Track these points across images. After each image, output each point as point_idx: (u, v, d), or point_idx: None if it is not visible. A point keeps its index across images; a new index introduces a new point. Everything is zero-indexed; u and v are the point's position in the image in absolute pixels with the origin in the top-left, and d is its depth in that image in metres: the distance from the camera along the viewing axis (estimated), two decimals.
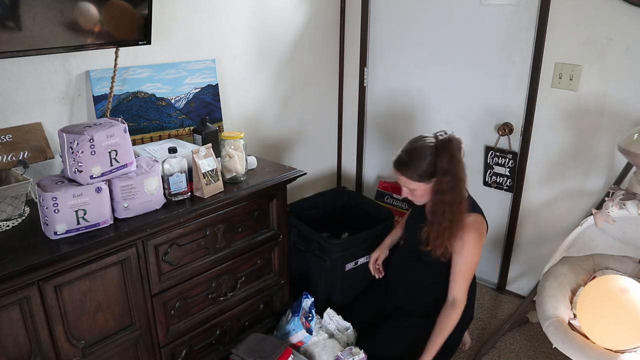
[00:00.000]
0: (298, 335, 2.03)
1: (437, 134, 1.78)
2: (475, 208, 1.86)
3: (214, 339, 1.95)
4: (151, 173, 1.61)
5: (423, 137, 1.79)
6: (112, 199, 1.55)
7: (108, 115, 1.89)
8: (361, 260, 2.26)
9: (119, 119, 1.58)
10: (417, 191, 1.80)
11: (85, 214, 1.47)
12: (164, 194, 1.68)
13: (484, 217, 1.87)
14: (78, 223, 1.47)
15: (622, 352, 1.59)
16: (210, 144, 1.80)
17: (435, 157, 1.73)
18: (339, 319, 2.13)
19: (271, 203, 1.99)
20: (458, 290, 1.84)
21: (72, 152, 1.45)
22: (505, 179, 2.49)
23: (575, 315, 1.76)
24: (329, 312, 2.14)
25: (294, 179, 2.00)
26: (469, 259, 1.81)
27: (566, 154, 2.30)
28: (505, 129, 2.39)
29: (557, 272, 1.94)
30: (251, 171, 1.99)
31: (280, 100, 2.63)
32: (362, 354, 1.92)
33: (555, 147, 2.32)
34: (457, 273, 1.83)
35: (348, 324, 2.12)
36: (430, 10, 2.53)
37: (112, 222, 1.55)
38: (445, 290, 1.87)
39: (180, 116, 2.13)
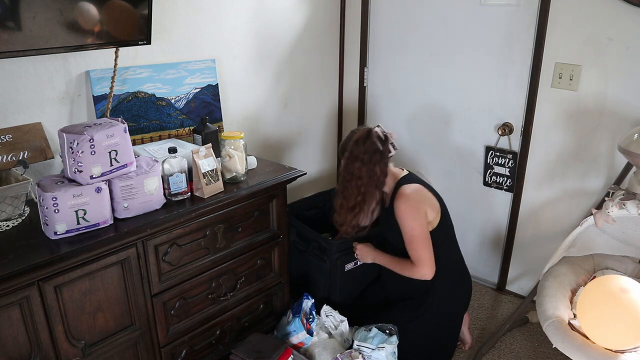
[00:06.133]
0: (299, 336, 2.03)
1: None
2: (411, 181, 1.96)
3: (214, 339, 1.95)
4: (151, 173, 1.61)
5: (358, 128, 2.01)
6: (112, 199, 1.55)
7: (108, 115, 1.89)
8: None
9: (119, 119, 1.58)
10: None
11: (85, 214, 1.47)
12: (164, 194, 1.68)
13: (426, 185, 1.99)
14: (78, 223, 1.47)
15: (622, 352, 1.59)
16: (210, 144, 1.80)
17: (346, 142, 1.96)
18: (335, 314, 2.14)
19: (271, 203, 1.98)
20: (413, 256, 1.94)
21: (72, 152, 1.45)
22: (505, 179, 2.49)
23: (575, 315, 1.76)
24: (326, 309, 2.14)
25: (294, 179, 2.00)
26: (406, 225, 1.91)
27: (566, 154, 2.30)
28: (505, 129, 2.39)
29: (557, 272, 1.94)
30: (251, 171, 1.99)
31: (280, 100, 2.63)
32: (360, 358, 1.92)
33: (555, 147, 2.32)
34: (405, 242, 1.95)
35: (343, 318, 2.13)
36: (430, 11, 2.53)
37: (112, 222, 1.55)
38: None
39: (180, 116, 2.13)
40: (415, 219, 1.89)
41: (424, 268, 1.92)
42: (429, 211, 1.93)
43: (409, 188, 1.93)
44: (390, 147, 1.93)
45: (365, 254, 2.13)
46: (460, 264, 2.10)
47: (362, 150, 1.89)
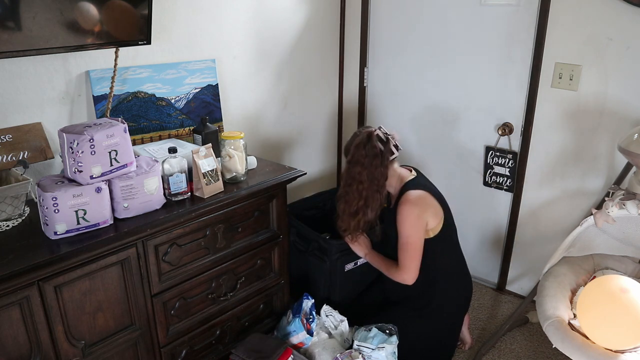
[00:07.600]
0: (299, 336, 2.03)
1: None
2: (417, 186, 1.94)
3: (214, 339, 1.95)
4: (151, 173, 1.61)
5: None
6: (112, 199, 1.55)
7: (108, 115, 1.89)
8: (361, 261, 2.25)
9: (119, 119, 1.58)
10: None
11: (85, 214, 1.47)
12: (164, 194, 1.68)
13: (432, 191, 1.96)
14: (78, 223, 1.47)
15: (622, 352, 1.59)
16: (210, 144, 1.80)
17: (349, 144, 1.96)
18: (335, 314, 2.14)
19: (271, 203, 1.98)
20: (401, 261, 1.95)
21: (72, 152, 1.45)
22: (505, 179, 2.49)
23: (575, 315, 1.76)
24: (325, 309, 2.14)
25: (294, 179, 2.00)
26: (403, 231, 1.91)
27: (566, 154, 2.30)
28: (505, 129, 2.39)
29: (557, 272, 1.94)
30: (251, 171, 1.99)
31: (280, 100, 2.63)
32: (360, 358, 1.92)
33: (555, 147, 2.32)
34: (399, 245, 1.95)
35: (343, 318, 2.13)
36: (430, 11, 2.53)
37: (112, 222, 1.55)
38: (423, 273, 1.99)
39: (180, 116, 2.13)
40: (414, 227, 1.89)
41: (406, 274, 1.95)
42: (430, 219, 1.92)
43: (414, 194, 1.91)
44: (393, 149, 1.92)
45: (359, 248, 2.13)
46: (461, 267, 2.11)
47: (362, 154, 1.88)
